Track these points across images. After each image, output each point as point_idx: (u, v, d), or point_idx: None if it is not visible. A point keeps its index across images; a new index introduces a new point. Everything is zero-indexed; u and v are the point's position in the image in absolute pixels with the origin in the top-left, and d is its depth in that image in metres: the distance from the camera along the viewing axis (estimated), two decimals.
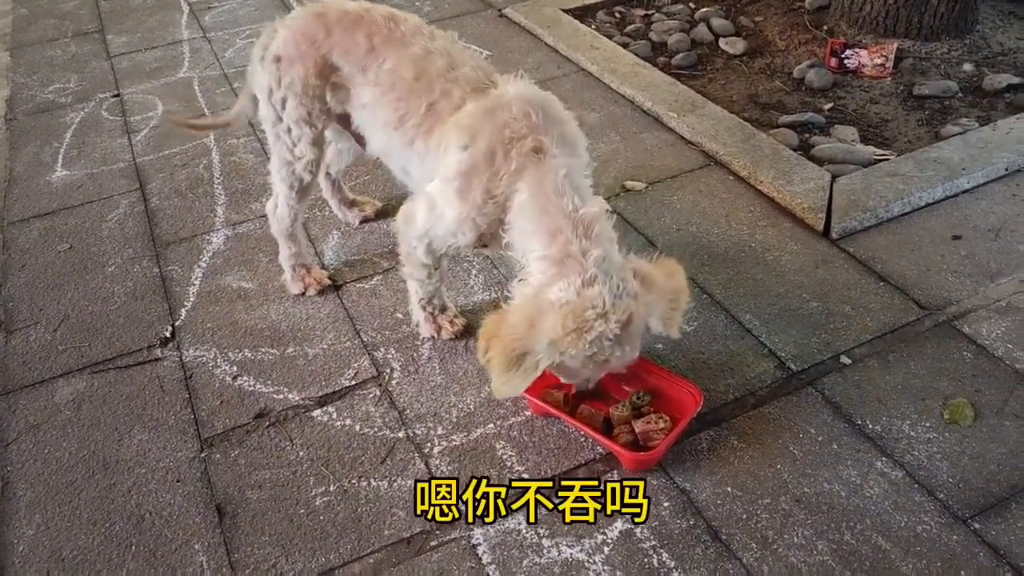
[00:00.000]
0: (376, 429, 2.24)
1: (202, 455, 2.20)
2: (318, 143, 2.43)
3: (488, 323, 1.91)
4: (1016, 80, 3.60)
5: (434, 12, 4.73)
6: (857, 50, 3.90)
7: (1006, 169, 3.04)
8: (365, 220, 3.03)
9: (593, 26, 4.43)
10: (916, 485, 1.99)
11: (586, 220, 1.90)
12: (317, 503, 2.05)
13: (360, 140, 2.47)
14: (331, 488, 2.09)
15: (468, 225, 2.06)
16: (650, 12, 4.60)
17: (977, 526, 1.89)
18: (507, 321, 1.87)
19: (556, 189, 1.93)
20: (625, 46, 4.16)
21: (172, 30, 4.78)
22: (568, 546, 1.91)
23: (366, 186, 3.24)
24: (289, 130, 2.40)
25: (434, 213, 2.12)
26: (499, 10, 4.68)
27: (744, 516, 1.95)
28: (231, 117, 2.72)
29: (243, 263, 2.88)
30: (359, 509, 2.03)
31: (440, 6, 4.84)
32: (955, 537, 1.87)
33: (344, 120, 2.43)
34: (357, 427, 2.25)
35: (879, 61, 3.85)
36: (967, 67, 3.79)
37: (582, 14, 4.57)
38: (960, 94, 3.61)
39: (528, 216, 1.96)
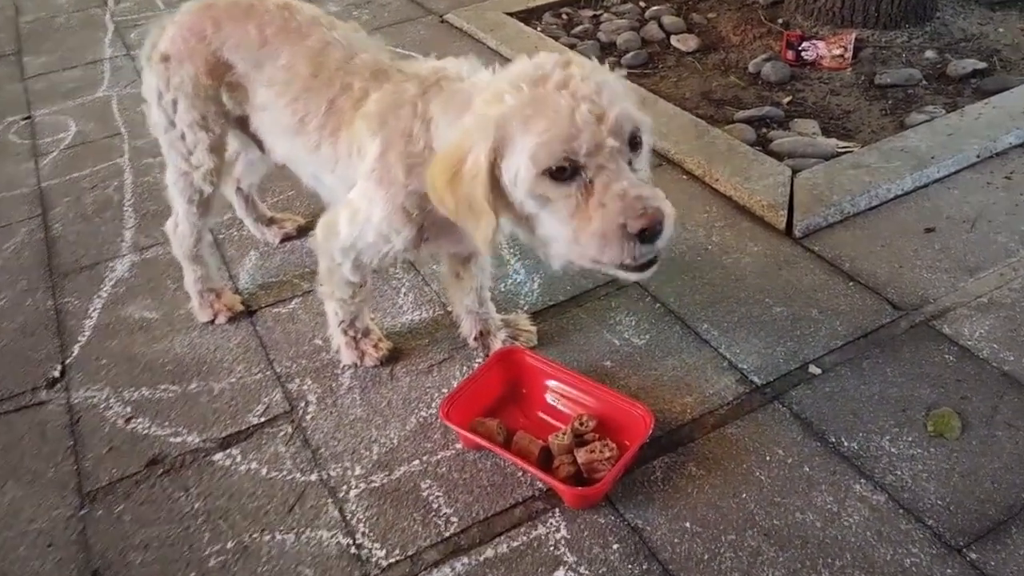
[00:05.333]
0: (285, 473, 1.95)
1: (81, 512, 1.89)
2: (217, 150, 2.17)
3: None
4: (982, 65, 3.41)
5: (373, 20, 4.48)
6: (814, 42, 3.69)
7: (978, 156, 2.83)
8: (287, 238, 2.75)
9: (539, 28, 4.21)
10: (901, 510, 1.73)
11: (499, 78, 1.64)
12: (211, 564, 1.75)
13: (261, 145, 2.21)
14: (228, 545, 1.79)
15: (399, 218, 1.79)
16: (599, 12, 4.38)
17: (974, 556, 1.64)
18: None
19: (460, 78, 1.73)
20: (572, 47, 3.93)
21: (94, 49, 4.49)
22: None
23: (290, 202, 2.97)
24: (183, 136, 2.13)
25: (358, 219, 1.85)
26: (440, 16, 4.45)
27: (706, 556, 1.68)
28: None
29: (148, 291, 2.58)
30: (259, 569, 1.73)
31: (379, 14, 4.59)
32: (949, 571, 1.61)
33: (243, 122, 2.17)
34: (264, 471, 1.96)
35: (838, 52, 3.65)
36: (929, 54, 3.60)
37: (527, 17, 4.34)
38: (924, 82, 3.41)
39: (444, 118, 1.68)
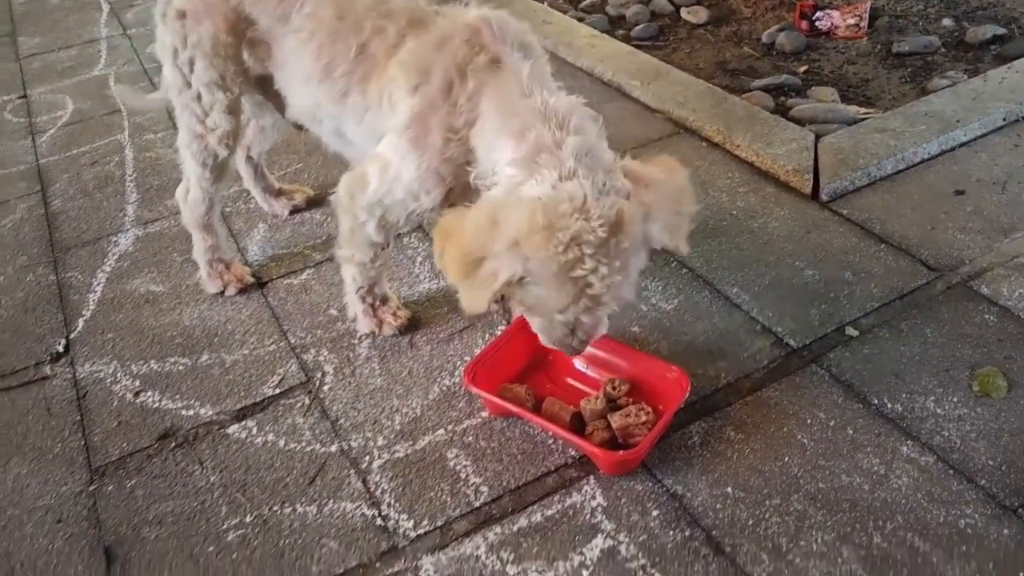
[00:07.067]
0: (304, 444, 1.87)
1: (91, 488, 1.81)
2: (234, 111, 2.09)
3: (445, 220, 1.59)
4: (1001, 31, 3.33)
5: None
6: (828, 11, 3.62)
7: (1004, 119, 2.76)
8: (295, 210, 2.66)
9: (545, 3, 4.12)
10: (951, 471, 1.66)
11: (560, 111, 1.59)
12: (229, 538, 1.67)
13: (280, 107, 2.12)
14: (247, 518, 1.71)
15: (431, 179, 1.73)
16: None
17: None
18: (467, 217, 1.54)
19: (522, 91, 1.62)
20: (580, 20, 3.85)
21: (90, 29, 4.39)
22: (538, 572, 1.55)
23: (298, 175, 2.88)
24: (199, 97, 2.05)
25: (388, 175, 1.77)
26: None
27: (750, 522, 1.60)
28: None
29: (154, 264, 2.49)
30: (281, 542, 1.65)
31: None
32: (1006, 531, 1.54)
33: (264, 82, 2.08)
34: (281, 443, 1.88)
35: (853, 21, 3.57)
36: (946, 22, 3.52)
37: None
38: (943, 49, 3.34)
39: (494, 125, 1.64)
